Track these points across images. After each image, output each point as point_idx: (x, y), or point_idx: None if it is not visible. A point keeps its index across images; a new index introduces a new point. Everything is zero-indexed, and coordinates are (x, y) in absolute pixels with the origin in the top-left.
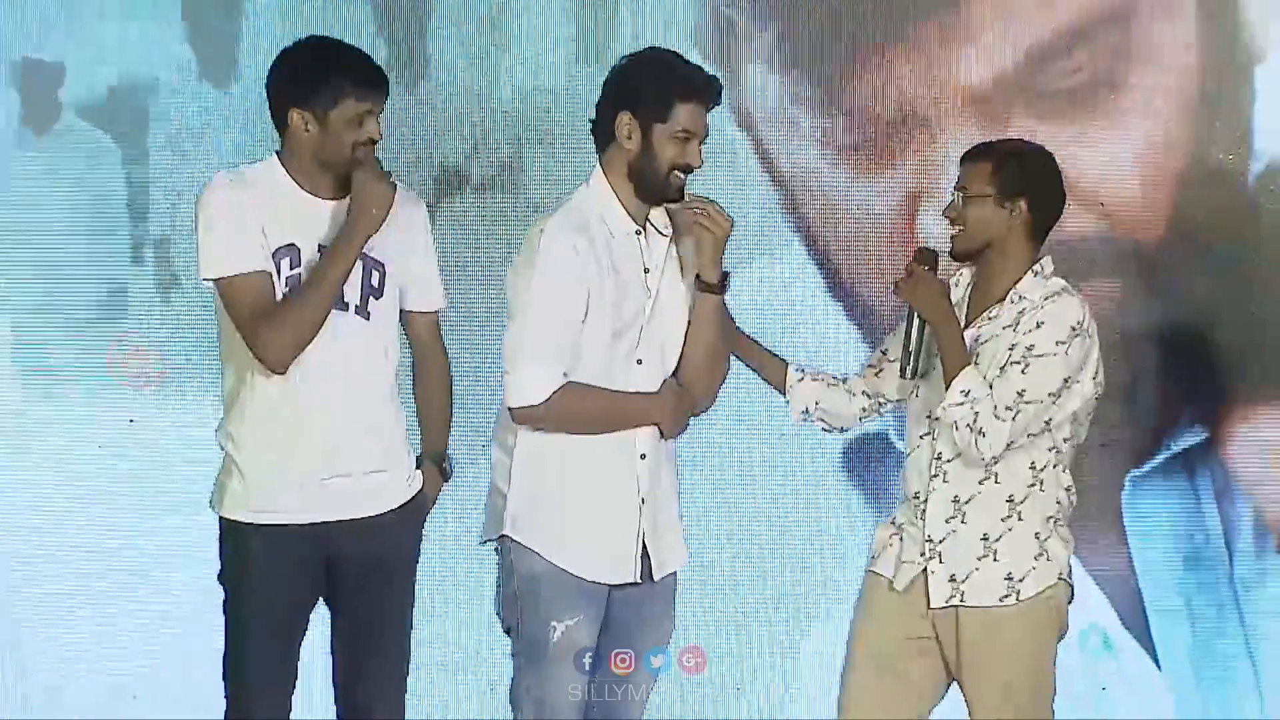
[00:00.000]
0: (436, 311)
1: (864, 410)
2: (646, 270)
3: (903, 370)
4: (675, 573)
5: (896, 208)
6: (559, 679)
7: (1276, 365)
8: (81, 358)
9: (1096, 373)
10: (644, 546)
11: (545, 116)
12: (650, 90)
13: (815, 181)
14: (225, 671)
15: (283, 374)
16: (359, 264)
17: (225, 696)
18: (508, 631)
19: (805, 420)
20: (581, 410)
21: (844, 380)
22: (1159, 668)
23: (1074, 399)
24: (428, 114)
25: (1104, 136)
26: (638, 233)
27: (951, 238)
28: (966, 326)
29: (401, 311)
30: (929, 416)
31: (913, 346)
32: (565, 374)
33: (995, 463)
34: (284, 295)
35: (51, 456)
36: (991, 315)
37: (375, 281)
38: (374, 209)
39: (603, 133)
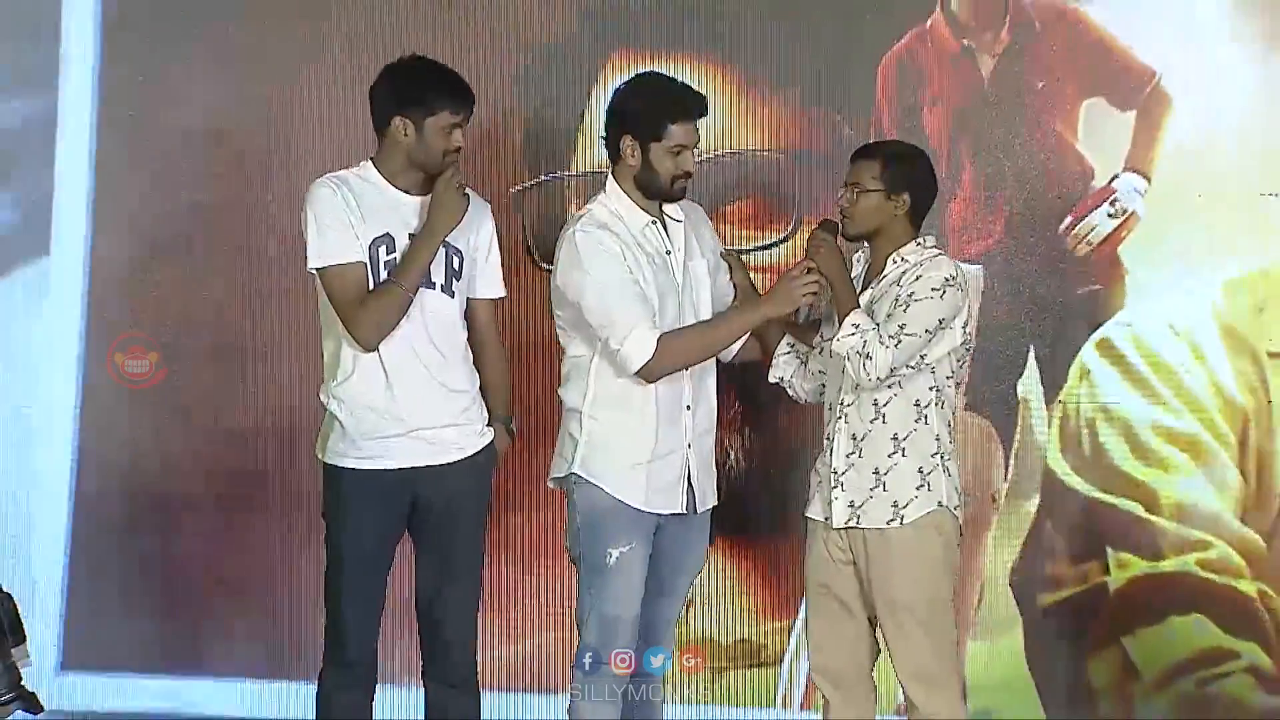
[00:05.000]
0: (496, 300)
1: (822, 388)
2: (669, 252)
3: (796, 314)
4: (710, 509)
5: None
6: (615, 598)
7: None
8: None
9: (967, 323)
10: (689, 483)
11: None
12: (645, 114)
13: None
14: (325, 593)
15: (372, 351)
16: (443, 251)
17: (326, 614)
18: (575, 562)
19: (779, 383)
20: (683, 347)
21: (805, 362)
22: None
23: (947, 340)
24: None
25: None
26: (654, 223)
27: (843, 222)
28: (864, 290)
29: (467, 299)
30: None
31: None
32: (656, 327)
33: (886, 397)
34: (382, 279)
35: None
36: (882, 277)
37: (456, 265)
38: (450, 213)
39: (611, 151)
